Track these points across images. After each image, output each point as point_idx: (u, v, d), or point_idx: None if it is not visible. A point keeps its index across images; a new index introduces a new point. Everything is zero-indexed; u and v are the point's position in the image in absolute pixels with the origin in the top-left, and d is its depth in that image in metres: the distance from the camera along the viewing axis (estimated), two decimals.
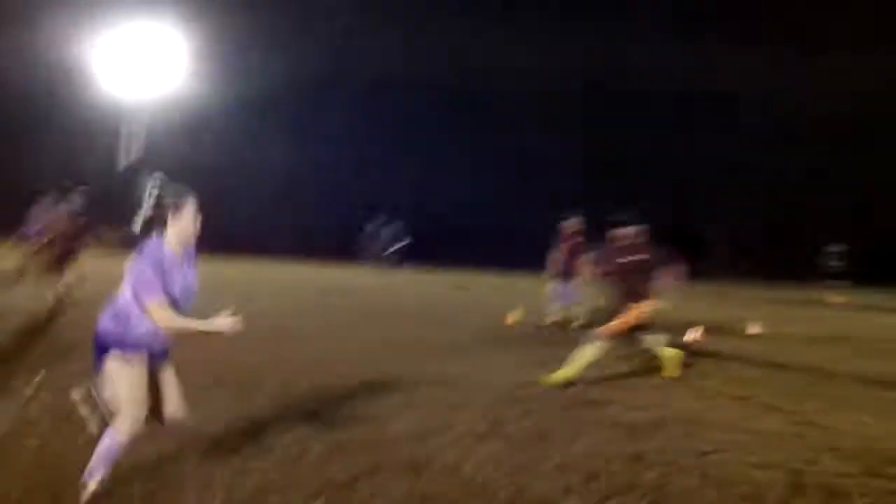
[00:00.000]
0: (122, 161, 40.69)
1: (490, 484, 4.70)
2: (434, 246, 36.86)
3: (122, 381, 4.10)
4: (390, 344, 10.62)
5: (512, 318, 14.53)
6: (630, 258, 8.17)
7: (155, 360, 4.30)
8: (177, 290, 4.12)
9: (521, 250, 38.70)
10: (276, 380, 7.49)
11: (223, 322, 4.18)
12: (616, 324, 8.11)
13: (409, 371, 8.43)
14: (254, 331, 8.11)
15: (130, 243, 4.28)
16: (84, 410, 4.35)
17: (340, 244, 36.04)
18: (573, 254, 13.27)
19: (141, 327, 4.09)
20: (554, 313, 13.97)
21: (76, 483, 4.11)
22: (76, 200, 12.47)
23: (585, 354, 8.10)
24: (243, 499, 4.29)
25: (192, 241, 4.25)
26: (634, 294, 8.10)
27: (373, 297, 19.11)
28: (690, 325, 13.30)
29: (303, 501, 4.28)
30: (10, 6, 38.43)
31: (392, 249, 29.91)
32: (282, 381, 7.47)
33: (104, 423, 4.22)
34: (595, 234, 10.89)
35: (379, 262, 28.81)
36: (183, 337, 4.17)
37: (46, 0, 38.72)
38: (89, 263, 12.82)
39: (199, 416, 5.35)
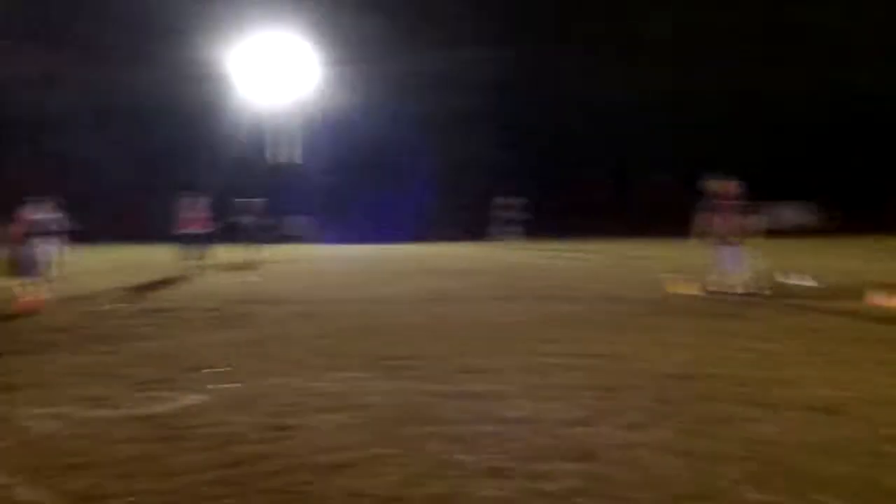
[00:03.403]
0: (270, 162, 42.63)
1: (665, 472, 4.52)
2: (552, 217, 36.69)
3: None
4: (548, 319, 10.56)
5: (675, 286, 14.04)
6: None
7: None
8: None
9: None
10: (434, 361, 7.69)
11: None
12: None
13: (569, 350, 8.34)
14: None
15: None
16: None
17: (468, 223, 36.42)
18: (728, 215, 12.80)
19: None
20: (719, 279, 13.42)
21: None
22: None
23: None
24: (415, 476, 4.43)
25: None
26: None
27: (522, 272, 19.00)
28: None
29: (472, 482, 4.36)
30: (162, 22, 40.89)
31: (516, 223, 29.62)
32: (457, 362, 7.66)
33: None
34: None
35: (507, 237, 28.63)
36: None
37: (193, 15, 40.90)
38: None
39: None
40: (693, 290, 13.61)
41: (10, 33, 41.63)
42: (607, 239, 31.99)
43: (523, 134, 43.02)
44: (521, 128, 43.21)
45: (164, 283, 16.09)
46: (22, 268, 12.61)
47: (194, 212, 19.64)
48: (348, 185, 41.22)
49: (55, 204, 15.78)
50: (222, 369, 7.34)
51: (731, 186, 13.29)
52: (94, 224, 35.13)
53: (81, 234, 17.81)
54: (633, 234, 32.34)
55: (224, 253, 22.00)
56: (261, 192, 24.70)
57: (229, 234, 22.59)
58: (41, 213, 15.08)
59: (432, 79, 41.63)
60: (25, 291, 12.51)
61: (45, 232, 14.97)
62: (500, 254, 25.33)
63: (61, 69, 42.42)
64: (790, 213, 38.86)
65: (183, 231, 19.37)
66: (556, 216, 37.40)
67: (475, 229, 34.70)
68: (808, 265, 16.73)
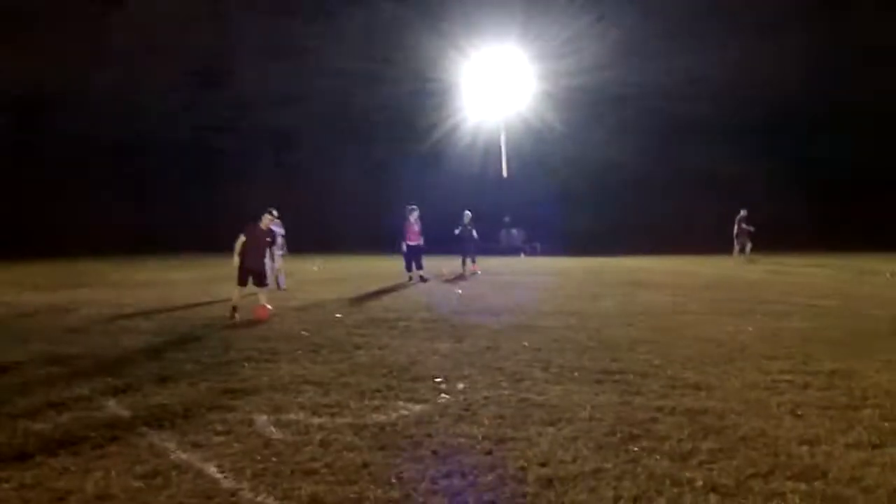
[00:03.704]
0: (490, 175, 43.41)
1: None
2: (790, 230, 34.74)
3: None
4: (775, 336, 10.08)
5: None
6: None
7: None
8: None
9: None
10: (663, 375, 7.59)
11: None
12: None
13: (797, 367, 7.97)
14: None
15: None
16: None
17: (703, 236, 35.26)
18: None
19: None
20: None
21: None
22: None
23: None
24: (634, 492, 4.43)
25: None
26: None
27: (749, 286, 18.15)
28: None
29: (692, 500, 4.31)
30: (398, 45, 42.90)
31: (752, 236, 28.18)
32: (677, 377, 7.55)
33: None
34: None
35: (745, 251, 27.38)
36: None
37: (424, 31, 42.66)
38: None
39: None
40: None
41: (256, 53, 45.48)
42: (844, 252, 29.92)
43: (761, 143, 41.14)
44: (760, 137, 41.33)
45: (386, 293, 16.78)
46: (254, 277, 13.37)
47: (416, 224, 20.44)
48: (563, 197, 41.25)
49: (279, 215, 16.82)
50: (441, 380, 7.62)
51: None
52: (323, 235, 37.74)
53: (306, 245, 18.92)
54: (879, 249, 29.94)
55: (442, 264, 22.68)
56: (478, 205, 25.22)
57: (454, 245, 23.27)
58: (273, 224, 16.15)
59: (658, 88, 41.05)
60: (256, 300, 13.37)
61: (273, 242, 16.02)
62: (730, 268, 24.30)
63: (300, 86, 45.75)
64: None
65: (406, 243, 20.19)
66: (794, 229, 35.66)
67: (710, 242, 33.70)
68: None
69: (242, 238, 13.08)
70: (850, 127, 40.02)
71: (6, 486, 4.80)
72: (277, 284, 15.90)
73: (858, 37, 40.03)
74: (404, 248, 20.17)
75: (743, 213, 27.88)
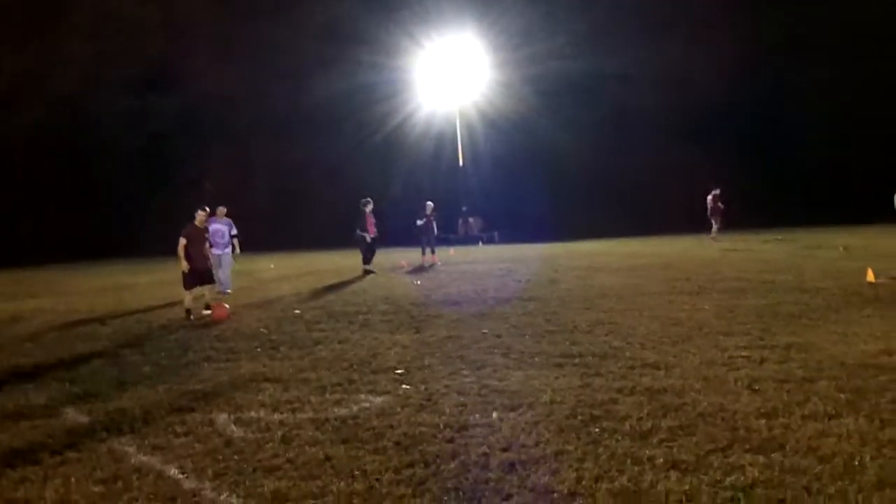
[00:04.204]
0: (445, 164, 43.41)
1: (854, 464, 4.38)
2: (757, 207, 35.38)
3: None
4: (730, 313, 10.21)
5: (873, 275, 13.13)
6: None
7: None
8: None
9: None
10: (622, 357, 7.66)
11: None
12: None
13: (753, 342, 8.09)
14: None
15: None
16: None
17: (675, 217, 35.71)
18: None
19: None
20: None
21: None
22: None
23: None
24: (595, 472, 4.46)
25: None
26: None
27: (706, 265, 18.36)
28: None
29: (653, 478, 4.33)
30: (352, 37, 42.64)
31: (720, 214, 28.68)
32: (635, 358, 7.62)
33: None
34: None
35: (715, 231, 27.81)
36: None
37: (379, 22, 42.48)
38: None
39: None
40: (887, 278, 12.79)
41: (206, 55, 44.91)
42: (811, 227, 30.47)
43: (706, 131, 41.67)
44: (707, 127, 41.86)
45: (345, 287, 16.70)
46: (202, 276, 13.32)
47: (372, 217, 20.36)
48: (519, 185, 41.36)
49: (227, 211, 16.56)
50: (402, 371, 7.61)
51: None
52: (280, 233, 37.50)
53: (260, 242, 18.69)
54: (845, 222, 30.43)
55: (398, 255, 22.62)
56: (435, 195, 25.19)
57: (412, 236, 23.24)
58: (219, 222, 15.92)
59: (607, 78, 41.32)
60: (213, 299, 13.28)
61: (223, 240, 15.81)
62: (691, 248, 24.59)
63: (254, 85, 45.27)
64: None
65: (363, 235, 20.09)
66: (765, 205, 36.24)
67: (664, 225, 34.11)
68: None
69: (184, 240, 12.98)
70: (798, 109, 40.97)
71: None
72: (220, 285, 15.42)
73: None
74: (368, 238, 20.08)
75: (716, 191, 28.25)
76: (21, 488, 4.82)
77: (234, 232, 16.63)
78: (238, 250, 16.88)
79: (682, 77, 41.66)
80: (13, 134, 43.17)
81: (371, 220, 20.29)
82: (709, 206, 28.34)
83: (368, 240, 20.14)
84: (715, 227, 28.11)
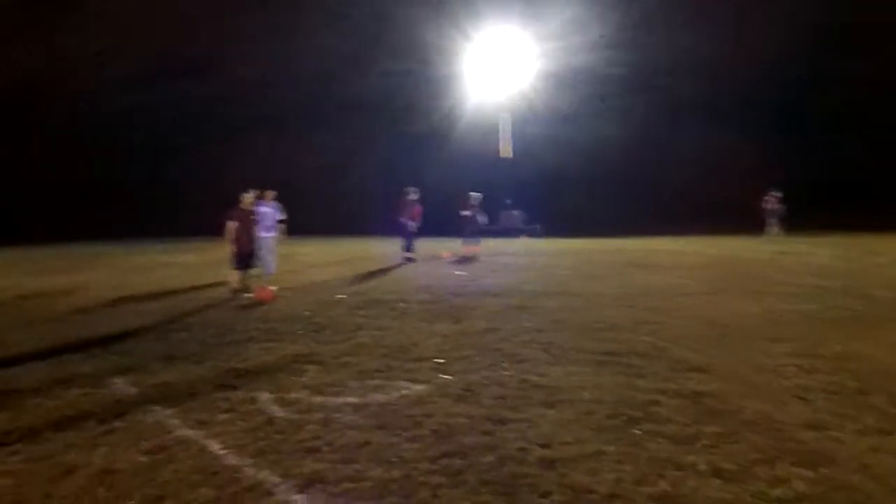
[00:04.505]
0: (491, 156, 42.95)
1: None
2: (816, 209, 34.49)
3: None
4: (780, 318, 9.97)
5: None
6: None
7: None
8: None
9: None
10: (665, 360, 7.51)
11: None
12: None
13: (804, 349, 7.86)
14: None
15: None
16: None
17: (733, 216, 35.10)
18: None
19: None
20: None
21: None
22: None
23: None
24: (635, 475, 4.34)
25: None
26: None
27: (760, 267, 18.00)
28: None
29: (694, 484, 4.22)
30: (395, 26, 42.64)
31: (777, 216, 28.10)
32: (679, 360, 7.47)
33: None
34: None
35: (771, 231, 27.29)
36: None
37: (425, 11, 42.33)
38: None
39: None
40: None
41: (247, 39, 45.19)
42: (850, 232, 29.74)
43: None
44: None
45: (386, 274, 16.72)
46: (249, 259, 13.52)
47: (415, 206, 20.46)
48: (563, 178, 41.04)
49: (275, 195, 16.61)
50: (441, 360, 7.56)
51: None
52: (322, 219, 37.66)
53: (300, 227, 18.70)
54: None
55: (440, 245, 22.60)
56: (479, 186, 25.03)
57: (455, 227, 23.22)
58: (267, 205, 15.98)
59: (655, 68, 40.73)
60: (258, 282, 13.40)
61: (269, 223, 15.85)
62: (738, 248, 24.17)
63: (293, 70, 45.47)
64: None
65: (405, 224, 20.21)
66: (819, 205, 35.39)
67: (710, 223, 33.48)
68: None
69: (232, 223, 13.13)
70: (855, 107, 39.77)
71: (15, 458, 4.92)
72: (265, 267, 15.53)
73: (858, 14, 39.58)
74: (412, 227, 20.19)
75: (776, 192, 27.79)
76: (69, 454, 4.99)
77: (281, 216, 16.64)
78: (283, 235, 16.92)
79: (733, 68, 40.88)
80: (49, 118, 43.94)
81: (416, 210, 20.38)
82: (767, 207, 27.83)
83: (412, 229, 20.22)
84: (773, 227, 27.58)
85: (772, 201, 27.82)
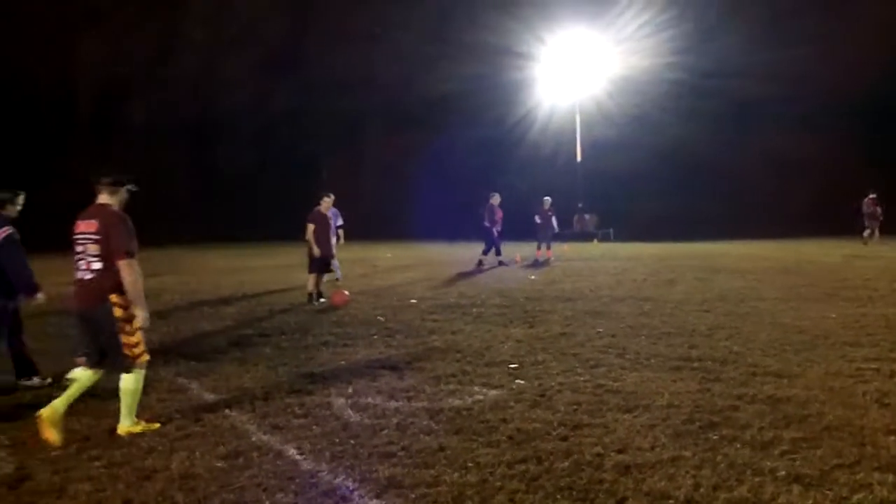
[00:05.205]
0: (576, 158, 42.62)
1: None
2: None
3: None
4: (860, 320, 9.75)
5: None
6: None
7: None
8: None
9: None
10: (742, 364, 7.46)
11: None
12: None
13: (884, 354, 7.70)
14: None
15: None
16: None
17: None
18: None
19: None
20: None
21: None
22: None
23: None
24: (714, 481, 4.37)
25: None
26: None
27: (843, 272, 17.55)
28: None
29: (774, 490, 4.21)
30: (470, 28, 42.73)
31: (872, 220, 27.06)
32: (756, 365, 7.41)
33: None
34: None
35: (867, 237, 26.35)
36: None
37: (496, 17, 42.37)
38: None
39: None
40: None
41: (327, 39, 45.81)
42: None
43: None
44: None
45: (459, 279, 16.81)
46: (327, 264, 13.74)
47: (499, 210, 20.66)
48: (636, 182, 40.61)
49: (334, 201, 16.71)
50: (515, 365, 7.63)
51: None
52: (393, 222, 37.98)
53: (372, 230, 18.80)
54: None
55: (513, 249, 22.62)
56: (552, 190, 25.01)
57: (528, 230, 23.25)
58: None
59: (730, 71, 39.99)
60: (332, 287, 13.58)
61: (334, 229, 15.98)
62: (813, 252, 23.58)
63: (369, 71, 46.02)
64: None
65: (490, 229, 20.37)
66: None
67: (782, 226, 32.73)
68: None
69: (312, 226, 13.31)
70: None
71: (97, 464, 5.00)
72: (337, 272, 15.70)
73: None
74: (495, 232, 20.36)
75: (873, 194, 26.93)
76: (149, 458, 5.08)
77: (340, 223, 16.82)
78: (342, 240, 17.06)
79: (809, 71, 39.83)
80: (134, 117, 45.24)
81: (499, 213, 20.55)
82: (866, 210, 26.97)
83: (495, 232, 20.35)
84: (871, 232, 26.69)
85: (870, 204, 26.85)
